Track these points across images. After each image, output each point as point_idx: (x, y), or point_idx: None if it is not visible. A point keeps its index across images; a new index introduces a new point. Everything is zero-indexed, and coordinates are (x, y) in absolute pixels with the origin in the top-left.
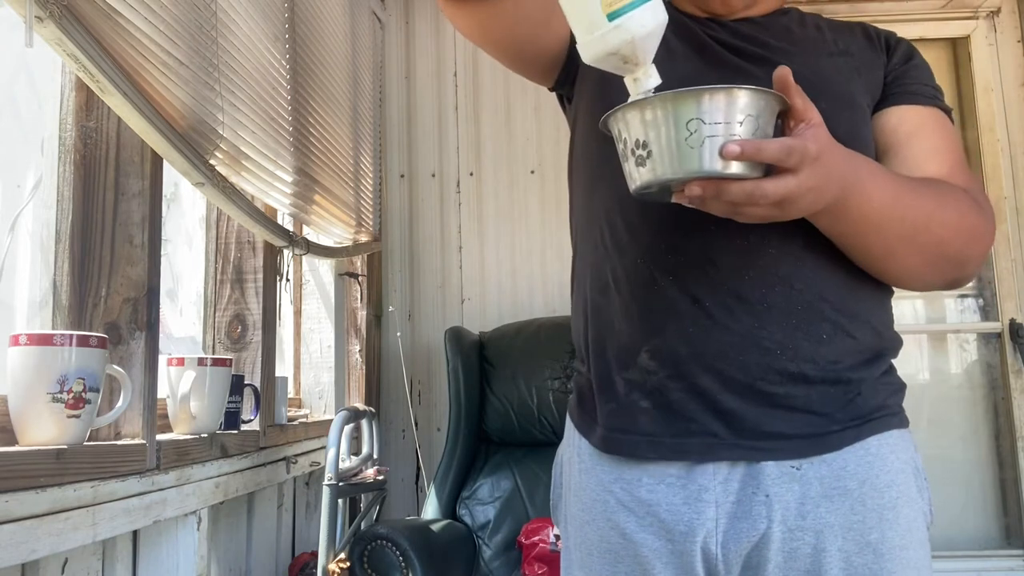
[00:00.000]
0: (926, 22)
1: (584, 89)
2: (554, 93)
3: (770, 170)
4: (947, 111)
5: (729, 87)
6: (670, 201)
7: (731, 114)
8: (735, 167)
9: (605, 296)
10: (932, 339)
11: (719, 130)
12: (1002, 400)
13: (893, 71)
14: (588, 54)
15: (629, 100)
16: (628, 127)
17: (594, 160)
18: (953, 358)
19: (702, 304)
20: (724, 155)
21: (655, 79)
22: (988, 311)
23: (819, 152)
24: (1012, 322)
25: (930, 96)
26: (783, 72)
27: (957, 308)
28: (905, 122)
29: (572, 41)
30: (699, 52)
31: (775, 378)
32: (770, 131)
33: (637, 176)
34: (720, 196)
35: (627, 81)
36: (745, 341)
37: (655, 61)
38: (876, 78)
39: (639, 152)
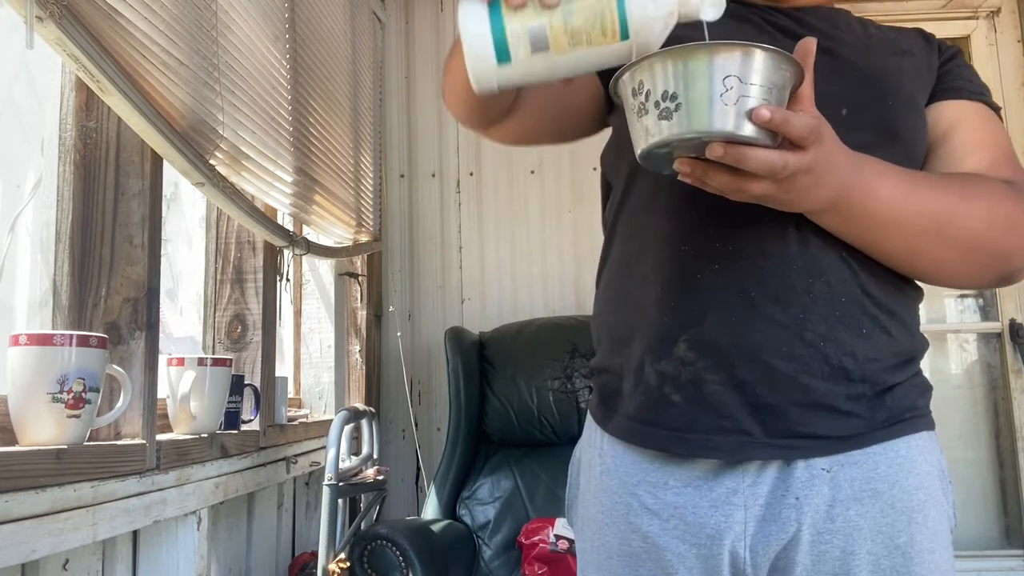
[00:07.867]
0: (926, 22)
1: None
2: None
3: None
4: (993, 107)
5: (776, 50)
6: (668, 171)
7: (766, 78)
8: (758, 133)
9: (642, 286)
10: (932, 339)
11: (752, 92)
12: (1002, 400)
13: (938, 70)
14: None
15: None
16: (658, 77)
17: None
18: (953, 358)
19: (748, 294)
20: (754, 118)
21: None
22: (988, 311)
23: (827, 139)
24: (1012, 322)
25: (973, 91)
26: (809, 44)
27: (957, 308)
28: (944, 118)
29: (602, 81)
30: (758, 37)
31: (818, 369)
32: (784, 106)
33: (657, 131)
34: (741, 162)
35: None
36: (788, 332)
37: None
38: (931, 78)
39: (665, 104)
